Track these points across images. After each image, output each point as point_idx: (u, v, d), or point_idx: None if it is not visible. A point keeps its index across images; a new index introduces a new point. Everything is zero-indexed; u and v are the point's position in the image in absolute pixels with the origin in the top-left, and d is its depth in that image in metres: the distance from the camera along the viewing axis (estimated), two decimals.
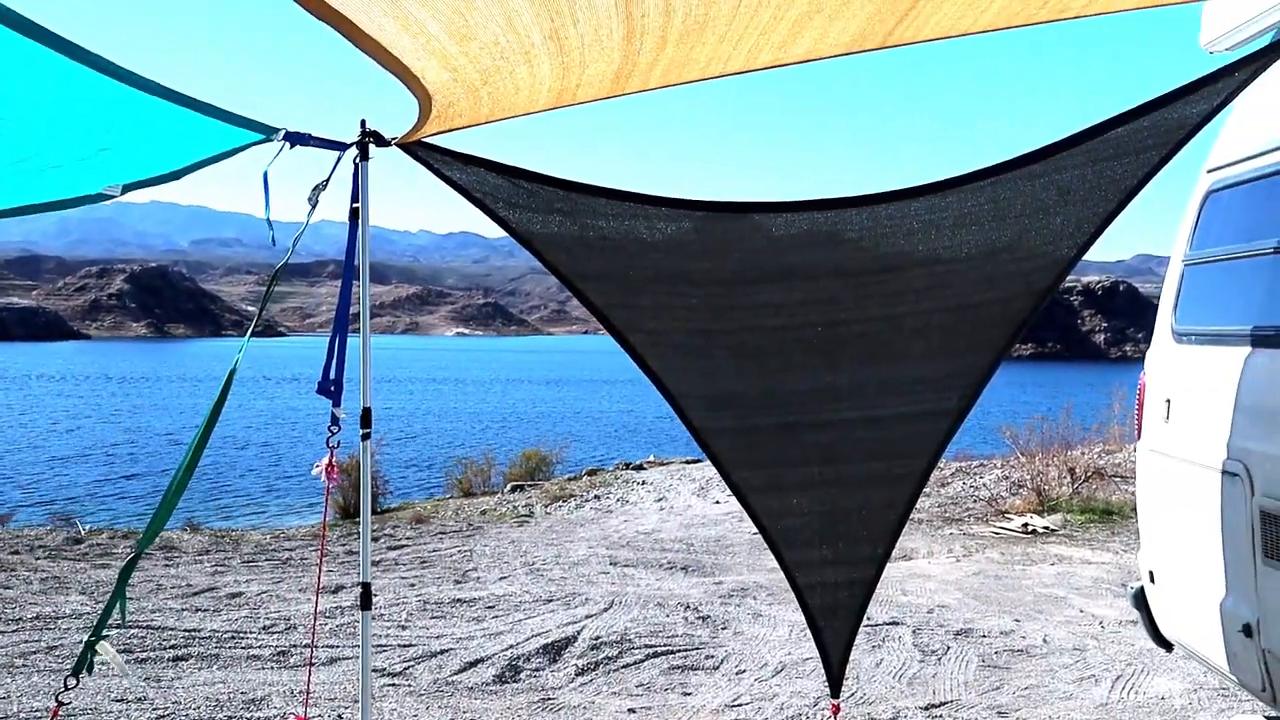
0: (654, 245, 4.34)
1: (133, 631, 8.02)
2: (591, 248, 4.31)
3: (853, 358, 4.53)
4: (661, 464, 22.59)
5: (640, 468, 21.95)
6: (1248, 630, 4.35)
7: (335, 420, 4.37)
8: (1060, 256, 4.29)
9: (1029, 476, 15.93)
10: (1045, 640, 8.17)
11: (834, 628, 4.82)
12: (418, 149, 4.22)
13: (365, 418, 4.49)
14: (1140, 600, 5.53)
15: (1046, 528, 13.50)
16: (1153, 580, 5.41)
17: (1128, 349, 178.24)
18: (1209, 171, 5.19)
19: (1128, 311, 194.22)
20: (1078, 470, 15.97)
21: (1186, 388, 5.06)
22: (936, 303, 4.44)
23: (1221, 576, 4.58)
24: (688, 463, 22.10)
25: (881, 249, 4.37)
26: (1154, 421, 5.36)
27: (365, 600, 4.41)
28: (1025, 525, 13.57)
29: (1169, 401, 5.19)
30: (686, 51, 3.36)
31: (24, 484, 28.20)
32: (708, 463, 19.33)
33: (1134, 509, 14.28)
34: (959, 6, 3.28)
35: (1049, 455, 16.51)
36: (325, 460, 4.41)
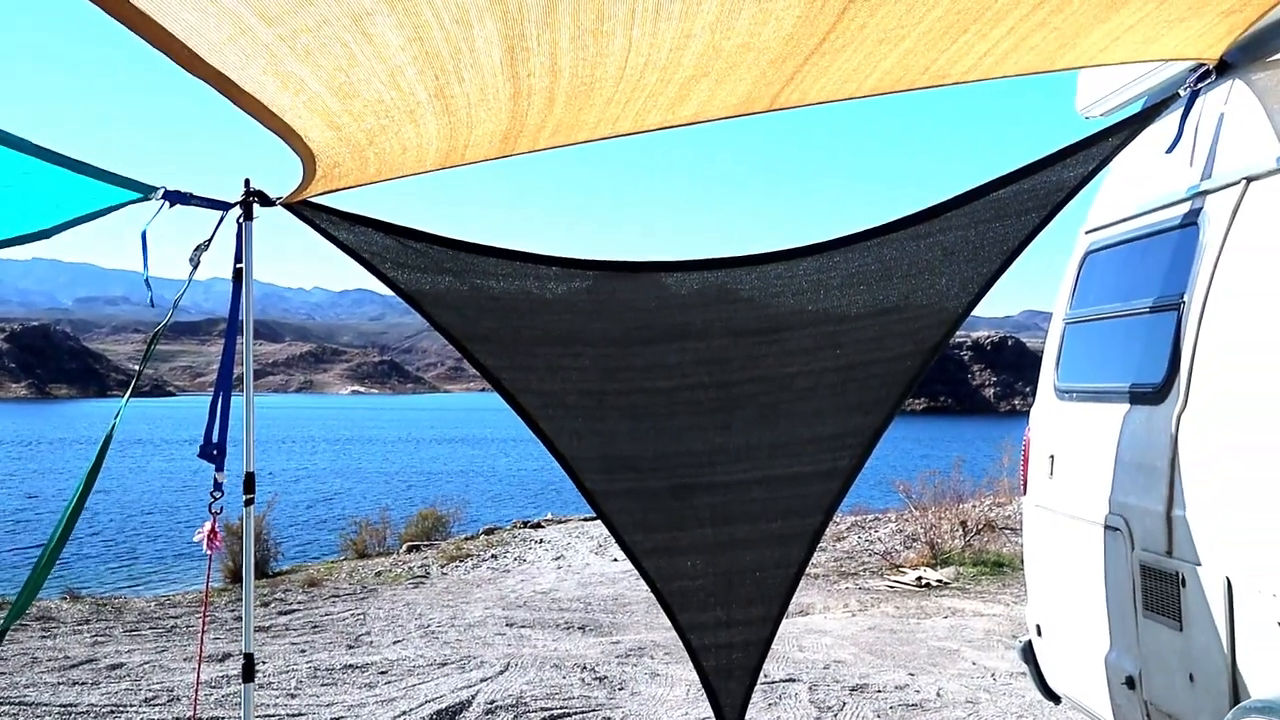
0: (546, 305, 4.32)
1: (3, 709, 7.66)
2: (482, 308, 4.27)
3: (745, 418, 4.54)
4: (559, 522, 22.42)
5: (538, 526, 21.74)
6: (1130, 683, 4.42)
7: (218, 485, 4.25)
8: (946, 315, 4.37)
9: (922, 530, 16.12)
10: (939, 694, 8.22)
11: (729, 689, 4.79)
12: (303, 209, 4.16)
13: (249, 483, 4.37)
14: (1028, 653, 5.60)
15: (940, 580, 13.65)
16: (1040, 634, 5.49)
17: (1016, 403, 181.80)
18: (1087, 233, 5.35)
19: (1016, 366, 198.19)
20: (969, 523, 16.20)
21: (1069, 444, 5.17)
22: (826, 362, 4.49)
23: (1105, 630, 4.65)
24: (585, 520, 21.95)
25: (771, 308, 4.42)
26: (1038, 477, 5.46)
27: (248, 672, 4.27)
28: (919, 579, 13.70)
29: (1052, 457, 5.30)
30: (575, 113, 3.37)
31: None
32: None
33: (1023, 561, 14.53)
34: (842, 73, 3.34)
35: (941, 509, 16.75)
36: (207, 526, 4.28)
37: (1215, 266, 4.02)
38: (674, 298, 4.40)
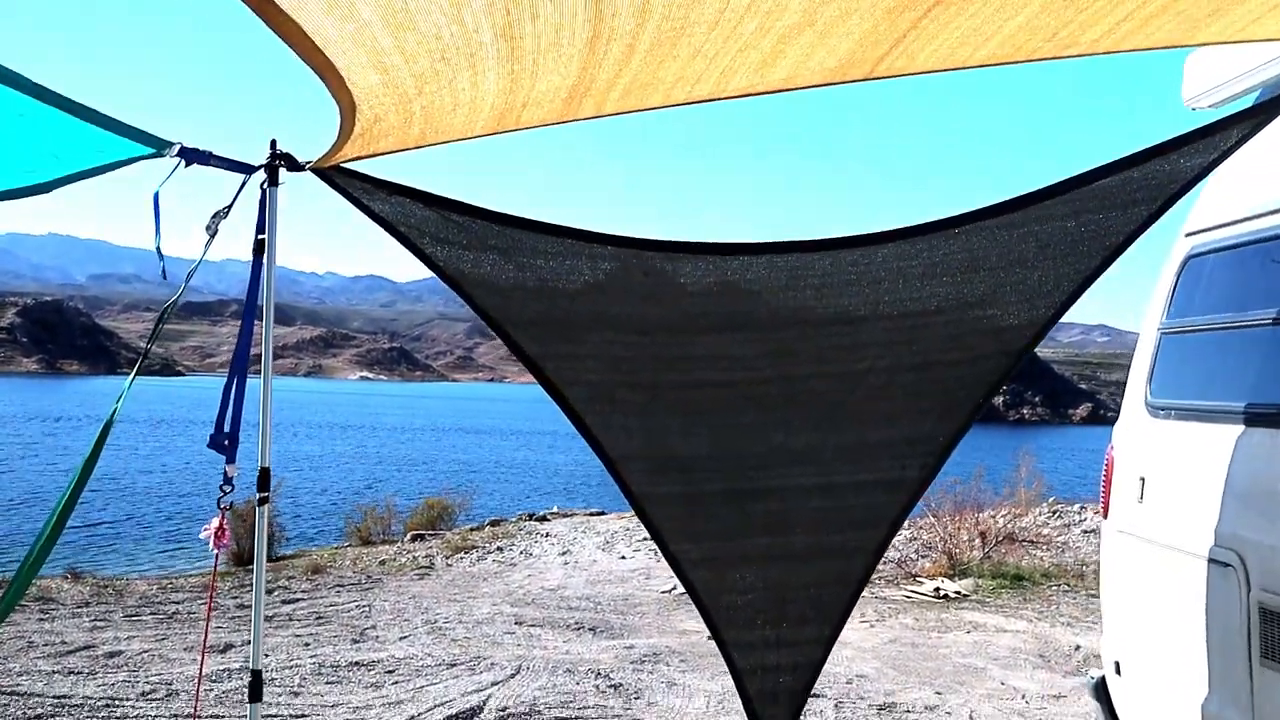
0: (598, 287, 3.91)
1: None
2: (528, 290, 3.86)
3: (808, 418, 4.15)
4: (565, 515, 22.17)
5: (544, 519, 21.53)
6: None
7: (228, 479, 3.82)
8: (1037, 316, 3.98)
9: (939, 539, 15.71)
10: (971, 716, 7.83)
11: (773, 714, 4.40)
12: (335, 175, 3.74)
13: (263, 479, 3.93)
14: (1101, 692, 5.16)
15: (958, 592, 13.27)
16: (1119, 672, 5.02)
17: (1025, 412, 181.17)
18: (1187, 235, 4.89)
19: (1025, 374, 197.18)
20: (989, 534, 15.80)
21: (1164, 466, 4.70)
22: (901, 359, 4.09)
23: (1204, 675, 4.21)
24: (591, 515, 21.77)
25: (844, 298, 4.01)
26: (1125, 501, 5.00)
27: (255, 691, 3.83)
28: (937, 590, 13.32)
29: (1143, 480, 4.83)
30: (654, 67, 2.94)
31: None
32: (612, 515, 18.76)
33: (1045, 575, 14.20)
34: (961, 33, 2.92)
35: (959, 518, 16.30)
36: (215, 523, 3.86)
37: None
38: (739, 282, 3.98)
